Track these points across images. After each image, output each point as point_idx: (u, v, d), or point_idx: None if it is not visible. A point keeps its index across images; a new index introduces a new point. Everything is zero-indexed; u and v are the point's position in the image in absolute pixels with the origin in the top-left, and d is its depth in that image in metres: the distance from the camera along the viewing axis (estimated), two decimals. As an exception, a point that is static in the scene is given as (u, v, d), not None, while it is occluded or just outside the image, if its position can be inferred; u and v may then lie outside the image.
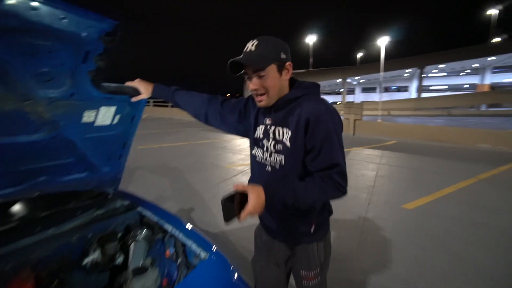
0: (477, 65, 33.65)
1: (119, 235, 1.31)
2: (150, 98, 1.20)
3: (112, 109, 1.13)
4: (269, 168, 0.97)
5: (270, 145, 0.95)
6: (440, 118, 20.87)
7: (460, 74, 37.89)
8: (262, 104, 0.92)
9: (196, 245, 1.21)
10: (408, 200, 3.39)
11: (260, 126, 0.99)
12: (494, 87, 34.14)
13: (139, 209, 1.51)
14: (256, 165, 1.04)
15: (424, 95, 33.88)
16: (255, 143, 1.02)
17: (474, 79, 36.08)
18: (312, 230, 0.98)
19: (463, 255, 2.24)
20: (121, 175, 1.51)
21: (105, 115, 1.13)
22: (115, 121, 1.20)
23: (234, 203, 0.76)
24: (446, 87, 39.61)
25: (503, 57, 28.66)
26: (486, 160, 5.69)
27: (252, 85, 0.89)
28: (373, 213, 3.03)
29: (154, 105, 19.00)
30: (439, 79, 39.93)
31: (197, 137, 8.59)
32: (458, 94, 32.12)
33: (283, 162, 0.92)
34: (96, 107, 1.06)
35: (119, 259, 1.23)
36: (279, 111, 0.93)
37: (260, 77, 0.86)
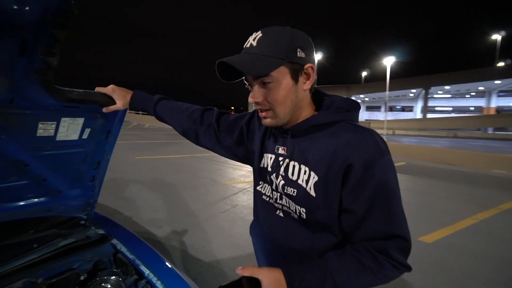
0: (482, 88, 33.64)
1: (82, 278, 1.03)
2: (128, 111, 0.95)
3: (79, 121, 0.89)
4: (281, 214, 0.71)
5: (279, 184, 0.68)
6: (446, 140, 20.49)
7: (466, 96, 37.85)
8: (267, 123, 0.65)
9: (177, 300, 0.93)
10: (425, 232, 3.04)
11: (269, 155, 0.72)
12: (499, 110, 33.94)
13: (114, 241, 1.24)
14: (262, 205, 0.77)
15: (429, 115, 33.68)
16: (261, 175, 0.75)
17: (480, 102, 35.99)
18: None
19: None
20: (96, 199, 1.25)
21: (70, 128, 0.89)
22: (85, 135, 0.96)
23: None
24: (451, 108, 39.49)
25: (509, 81, 28.62)
26: (505, 188, 5.31)
27: (251, 97, 0.62)
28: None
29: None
30: (444, 101, 39.88)
31: (197, 150, 8.27)
32: (465, 116, 31.89)
33: (304, 215, 0.65)
34: (54, 118, 0.82)
35: (76, 315, 0.94)
36: (300, 138, 0.65)
37: (263, 84, 0.60)
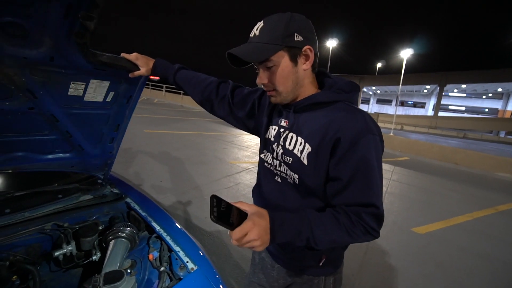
0: (501, 89, 32.42)
1: (100, 228, 1.15)
2: (150, 76, 1.02)
3: (105, 84, 0.97)
4: (279, 179, 0.79)
5: (279, 152, 0.76)
6: (455, 140, 20.16)
7: (482, 97, 36.61)
8: (273, 101, 0.74)
9: (184, 253, 1.05)
10: (419, 224, 3.15)
11: (274, 127, 0.80)
12: (515, 114, 32.88)
13: (128, 200, 1.36)
14: (264, 171, 0.85)
15: (440, 114, 32.90)
16: (265, 145, 0.84)
17: (495, 104, 34.84)
18: (320, 263, 0.79)
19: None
20: (113, 160, 1.35)
21: (96, 90, 0.97)
22: (109, 98, 1.04)
23: (231, 215, 0.58)
24: (464, 108, 38.41)
25: (530, 84, 27.47)
26: (506, 191, 5.34)
27: (258, 79, 0.71)
28: (379, 233, 2.81)
29: (167, 91, 18.99)
30: (458, 100, 38.73)
31: (205, 128, 8.46)
32: (478, 117, 31.06)
33: (297, 181, 0.73)
34: (84, 79, 0.89)
35: (95, 256, 1.07)
36: (301, 113, 0.73)
37: (267, 68, 0.68)
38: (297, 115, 0.74)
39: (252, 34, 0.68)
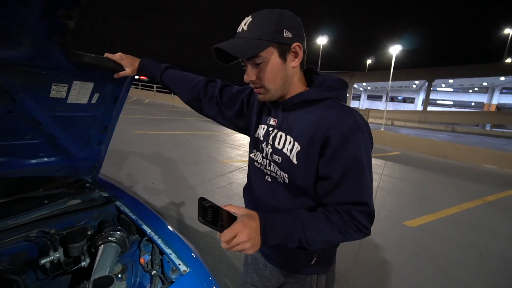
0: (486, 84, 33.34)
1: (89, 232, 1.13)
2: (140, 77, 1.00)
3: (89, 85, 0.94)
4: (269, 179, 0.78)
5: (268, 152, 0.75)
6: (444, 134, 20.63)
7: (469, 91, 37.57)
8: (261, 98, 0.72)
9: (176, 256, 1.03)
10: (410, 217, 3.21)
11: (263, 126, 0.79)
12: (500, 107, 33.91)
13: (118, 203, 1.33)
14: (254, 171, 0.84)
15: (429, 108, 33.60)
16: (255, 144, 0.82)
17: (481, 98, 35.81)
18: (312, 262, 0.79)
19: (466, 282, 2.08)
20: (101, 163, 1.32)
21: (80, 92, 0.94)
22: (94, 100, 1.01)
23: (220, 216, 0.56)
24: (451, 102, 39.35)
25: (513, 78, 28.35)
26: (493, 182, 5.50)
27: (246, 75, 0.68)
28: (372, 228, 2.84)
29: (157, 91, 18.73)
30: (446, 94, 39.65)
31: (197, 127, 8.39)
32: (465, 111, 31.86)
33: (287, 180, 0.73)
34: (67, 80, 0.86)
35: (84, 262, 1.04)
36: (290, 112, 0.72)
37: (255, 65, 0.66)
38: (286, 114, 0.73)
39: (240, 29, 0.66)
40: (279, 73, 0.67)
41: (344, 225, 0.63)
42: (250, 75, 0.68)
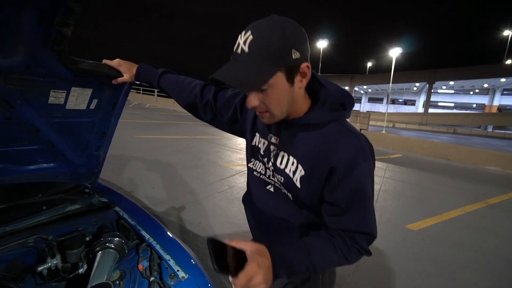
0: (487, 85, 33.30)
1: (87, 238, 1.12)
2: (135, 82, 1.00)
3: (87, 91, 0.94)
4: (272, 189, 0.77)
5: (270, 169, 0.74)
6: (445, 135, 20.57)
7: (470, 93, 37.54)
8: (265, 121, 0.66)
9: (175, 262, 1.02)
10: (413, 220, 3.18)
11: (261, 140, 0.76)
12: (501, 109, 33.82)
13: (117, 208, 1.33)
14: (254, 180, 0.83)
15: (430, 110, 33.56)
16: (252, 153, 0.80)
17: (483, 99, 35.77)
18: None
19: (469, 286, 2.05)
20: (100, 169, 1.32)
21: (79, 98, 0.94)
22: (92, 106, 1.01)
23: (227, 256, 0.53)
24: (453, 104, 39.30)
25: (514, 79, 28.32)
26: (496, 184, 5.46)
27: (249, 102, 0.61)
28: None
29: (158, 96, 18.84)
30: (447, 96, 39.64)
31: (198, 131, 8.40)
32: (466, 113, 31.82)
33: (290, 197, 0.72)
34: (65, 87, 0.87)
35: (82, 269, 1.04)
36: (293, 132, 0.68)
37: (261, 90, 0.59)
38: (289, 133, 0.69)
39: (239, 50, 0.56)
40: (286, 97, 0.61)
41: (347, 250, 0.63)
42: (253, 101, 0.61)
